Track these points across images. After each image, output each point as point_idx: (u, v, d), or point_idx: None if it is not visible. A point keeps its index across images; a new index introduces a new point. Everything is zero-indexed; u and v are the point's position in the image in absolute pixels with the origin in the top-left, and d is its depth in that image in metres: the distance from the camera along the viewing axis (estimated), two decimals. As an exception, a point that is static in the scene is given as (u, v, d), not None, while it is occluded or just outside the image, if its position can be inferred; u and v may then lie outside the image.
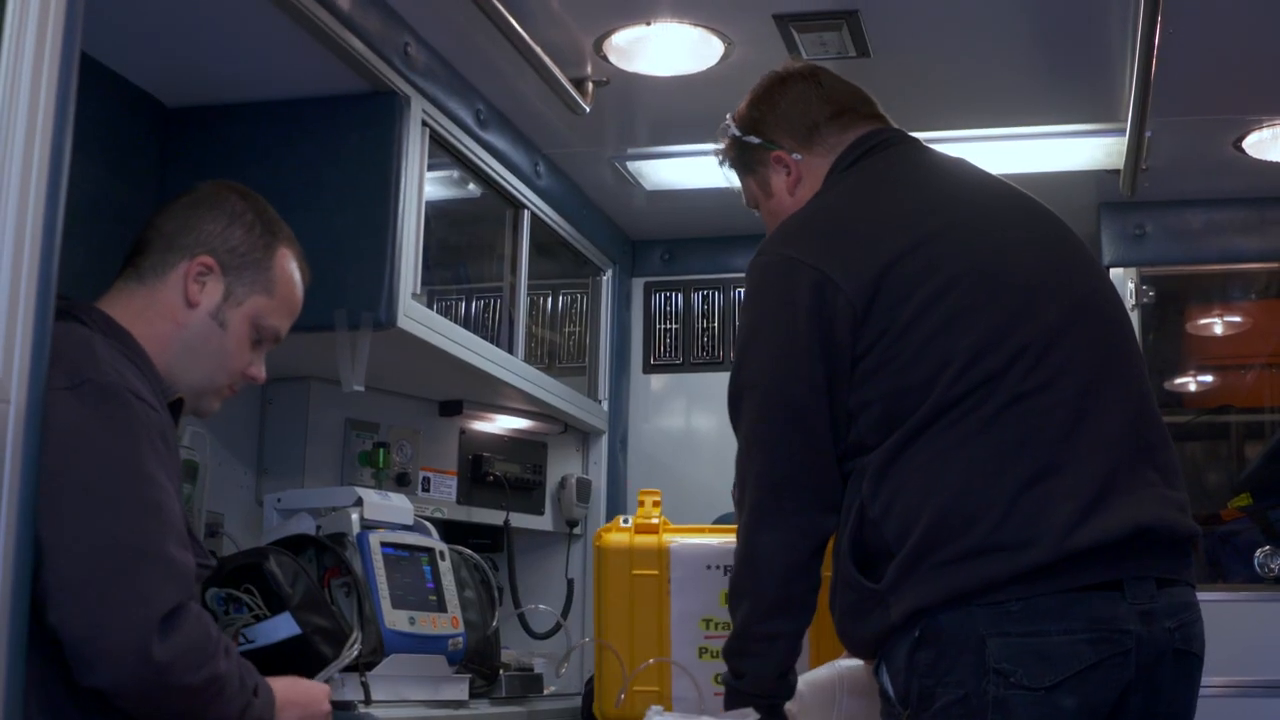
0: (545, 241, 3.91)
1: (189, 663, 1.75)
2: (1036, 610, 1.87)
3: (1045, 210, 2.22)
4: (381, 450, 3.48)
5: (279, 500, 3.01)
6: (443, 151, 3.20)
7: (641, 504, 3.04)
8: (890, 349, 2.00)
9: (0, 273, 1.45)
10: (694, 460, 4.32)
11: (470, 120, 3.26)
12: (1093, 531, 1.89)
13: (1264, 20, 2.90)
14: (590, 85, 3.25)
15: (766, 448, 2.08)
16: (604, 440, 4.29)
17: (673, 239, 4.47)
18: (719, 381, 2.28)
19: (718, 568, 2.88)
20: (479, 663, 3.04)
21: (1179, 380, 4.66)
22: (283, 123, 2.97)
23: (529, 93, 3.27)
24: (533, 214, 3.70)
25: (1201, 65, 3.09)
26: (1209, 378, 4.70)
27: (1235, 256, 4.07)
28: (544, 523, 4.11)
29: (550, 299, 4.25)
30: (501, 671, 3.19)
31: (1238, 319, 4.58)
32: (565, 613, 3.95)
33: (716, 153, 2.46)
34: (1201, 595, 2.05)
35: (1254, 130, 3.51)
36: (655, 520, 2.98)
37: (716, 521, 3.29)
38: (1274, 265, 4.19)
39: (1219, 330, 4.60)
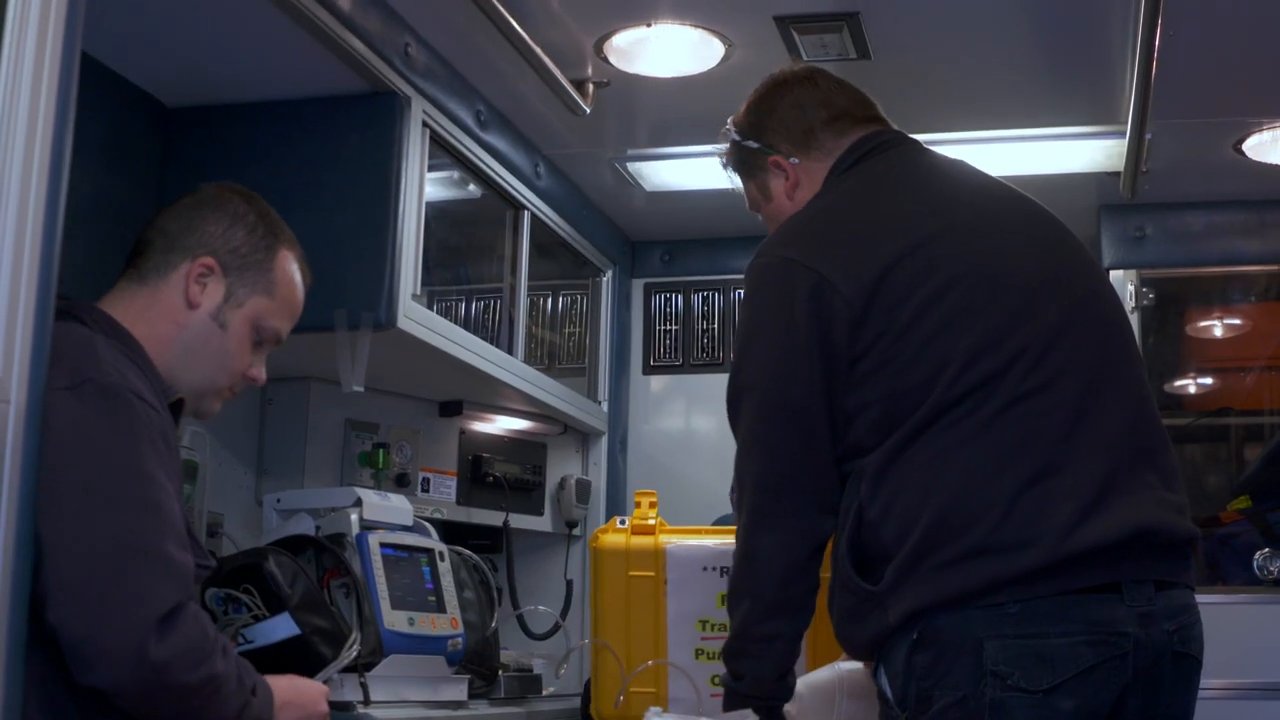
0: (545, 242, 3.91)
1: (187, 662, 1.75)
2: (1035, 612, 1.87)
3: (1045, 212, 2.22)
4: (381, 451, 3.48)
5: (279, 501, 3.01)
6: (443, 152, 3.20)
7: (638, 505, 3.03)
8: (889, 350, 1.99)
9: (0, 273, 1.46)
10: (694, 461, 4.32)
11: (470, 121, 3.26)
12: (1092, 532, 1.89)
13: (1264, 23, 2.89)
14: (590, 86, 3.25)
15: (765, 449, 2.08)
16: (603, 441, 4.29)
17: (673, 240, 4.46)
18: (719, 383, 2.27)
19: (714, 569, 2.88)
20: (478, 663, 3.04)
21: (1179, 382, 4.66)
22: (283, 123, 2.97)
23: (529, 94, 3.27)
24: (533, 215, 3.70)
25: (1202, 67, 3.09)
26: (1209, 380, 4.69)
27: (1235, 259, 4.07)
28: (543, 524, 4.11)
29: (550, 300, 4.25)
30: (500, 672, 3.19)
31: (1237, 321, 4.58)
32: (564, 614, 3.94)
33: (719, 155, 2.46)
34: (1200, 598, 2.05)
35: (1254, 133, 3.50)
36: (651, 521, 2.98)
37: (716, 522, 3.29)
38: (1274, 268, 4.19)
39: (1219, 333, 4.60)
